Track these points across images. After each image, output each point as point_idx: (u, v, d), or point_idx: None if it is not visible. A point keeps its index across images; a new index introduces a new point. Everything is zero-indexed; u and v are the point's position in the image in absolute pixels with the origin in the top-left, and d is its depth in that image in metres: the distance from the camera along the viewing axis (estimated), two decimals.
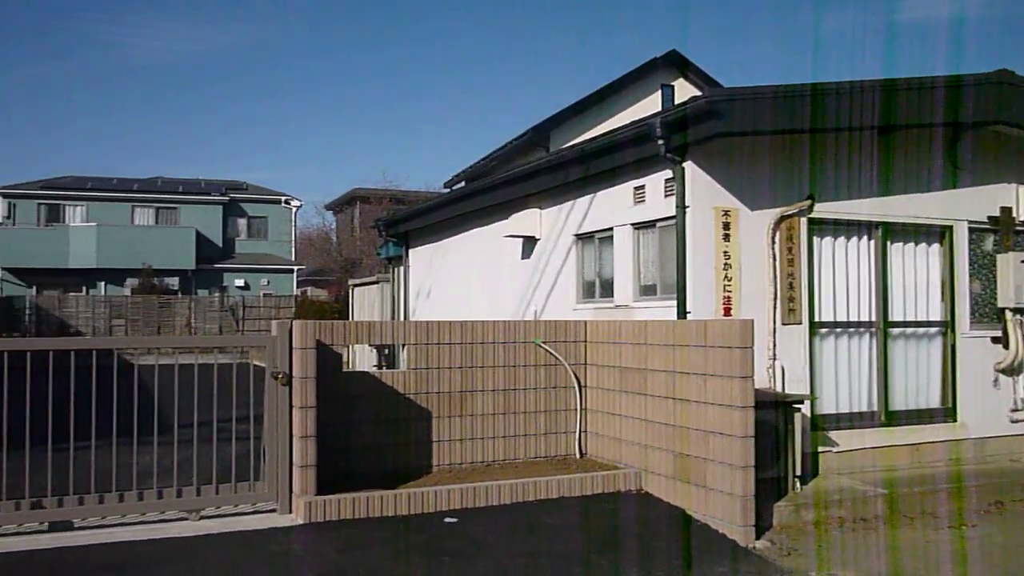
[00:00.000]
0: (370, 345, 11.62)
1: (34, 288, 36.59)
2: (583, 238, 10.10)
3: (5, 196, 38.06)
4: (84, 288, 37.01)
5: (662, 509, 6.56)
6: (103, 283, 37.38)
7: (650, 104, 17.73)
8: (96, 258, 36.58)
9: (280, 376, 6.23)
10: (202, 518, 6.10)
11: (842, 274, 8.70)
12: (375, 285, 19.16)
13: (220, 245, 40.24)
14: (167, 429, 6.29)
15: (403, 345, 7.52)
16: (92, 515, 5.96)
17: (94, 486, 6.04)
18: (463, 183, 19.30)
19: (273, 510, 6.29)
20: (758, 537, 6.05)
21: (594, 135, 9.95)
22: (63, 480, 5.87)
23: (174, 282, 37.82)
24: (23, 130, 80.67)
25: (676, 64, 19.11)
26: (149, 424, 6.09)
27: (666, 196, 8.31)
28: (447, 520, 6.14)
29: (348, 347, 8.09)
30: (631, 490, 6.98)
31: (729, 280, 7.94)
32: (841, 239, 8.73)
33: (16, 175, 69.70)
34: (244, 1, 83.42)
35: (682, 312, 7.83)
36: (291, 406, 6.28)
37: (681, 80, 19.06)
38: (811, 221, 8.40)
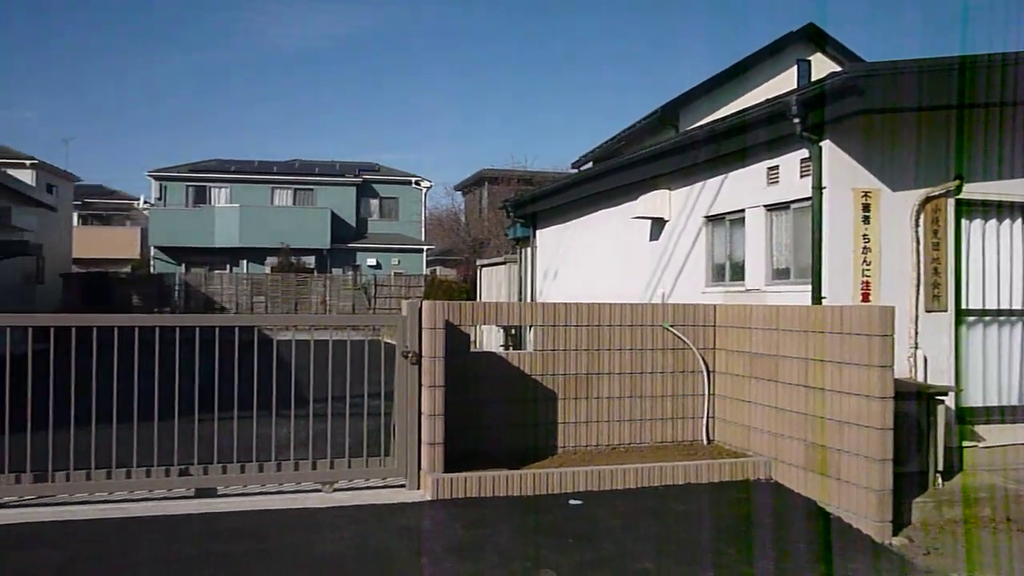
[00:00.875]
0: (497, 326, 11.73)
1: (183, 266, 38.71)
2: (713, 220, 9.88)
3: (157, 179, 40.35)
4: (228, 266, 38.90)
5: (793, 500, 6.38)
6: (245, 261, 39.19)
7: (785, 81, 17.10)
8: (239, 237, 38.35)
9: (410, 355, 6.36)
10: (335, 490, 6.32)
11: (992, 259, 8.19)
12: (503, 266, 19.33)
13: (353, 225, 41.47)
14: (303, 403, 6.56)
15: (530, 326, 7.56)
16: (234, 483, 6.26)
17: (236, 456, 6.36)
18: (591, 164, 19.17)
19: (402, 485, 6.45)
20: (895, 533, 5.80)
21: (725, 114, 9.70)
22: (208, 449, 6.20)
23: (310, 261, 39.25)
24: (172, 118, 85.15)
25: (813, 38, 18.34)
26: (287, 398, 6.35)
27: (801, 177, 8.02)
28: (572, 502, 6.15)
29: (475, 327, 8.21)
30: (760, 479, 6.81)
31: (868, 264, 7.60)
32: (992, 221, 8.21)
33: (166, 159, 73.76)
34: None
35: (817, 297, 7.56)
36: (420, 384, 6.41)
37: (818, 55, 18.27)
38: (959, 202, 7.93)
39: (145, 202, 45.00)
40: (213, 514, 5.68)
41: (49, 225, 31.24)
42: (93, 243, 45.23)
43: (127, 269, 42.05)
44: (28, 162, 32.88)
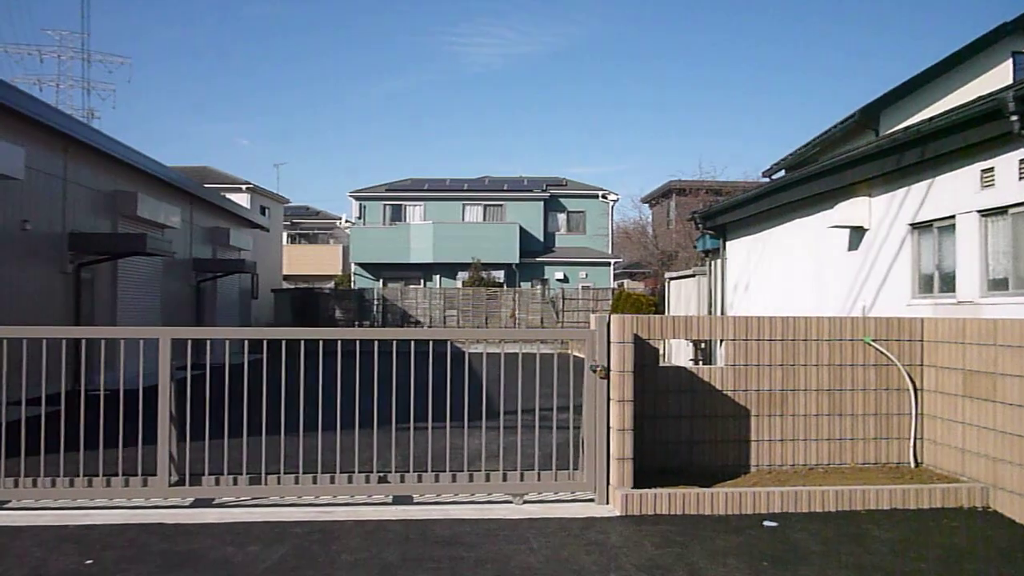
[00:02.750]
0: (686, 340, 11.53)
1: (380, 281, 40.59)
2: (919, 227, 9.28)
3: (357, 199, 42.58)
4: (422, 281, 40.42)
5: (1014, 531, 5.85)
6: (438, 276, 40.58)
7: (997, 76, 15.86)
8: (432, 253, 39.78)
9: (599, 369, 6.36)
10: (525, 502, 6.41)
11: None
12: (691, 278, 18.98)
13: (541, 239, 42.04)
14: (493, 415, 6.70)
15: (720, 340, 7.37)
16: (428, 492, 6.48)
17: (430, 465, 6.58)
18: (783, 172, 18.51)
19: (591, 500, 6.45)
20: None
21: (931, 114, 9.10)
22: (404, 458, 6.45)
23: (500, 275, 40.10)
24: (371, 141, 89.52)
25: None
26: (478, 410, 6.52)
27: (1020, 179, 7.40)
28: (767, 523, 5.93)
29: (664, 341, 8.09)
30: (976, 507, 6.30)
31: None
32: None
33: (366, 180, 77.74)
34: (570, 3, 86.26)
35: None
36: (609, 399, 6.39)
37: None
38: None
39: (346, 221, 47.60)
40: (411, 521, 5.90)
41: (262, 244, 33.66)
42: (300, 260, 48.39)
43: (330, 285, 44.58)
44: (244, 186, 35.61)
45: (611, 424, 6.38)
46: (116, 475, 6.35)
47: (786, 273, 12.81)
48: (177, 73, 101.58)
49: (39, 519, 5.89)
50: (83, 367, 6.31)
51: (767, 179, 19.02)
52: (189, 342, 6.40)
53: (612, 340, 6.42)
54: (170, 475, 6.26)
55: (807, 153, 18.20)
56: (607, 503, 6.37)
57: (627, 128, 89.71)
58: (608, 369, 6.40)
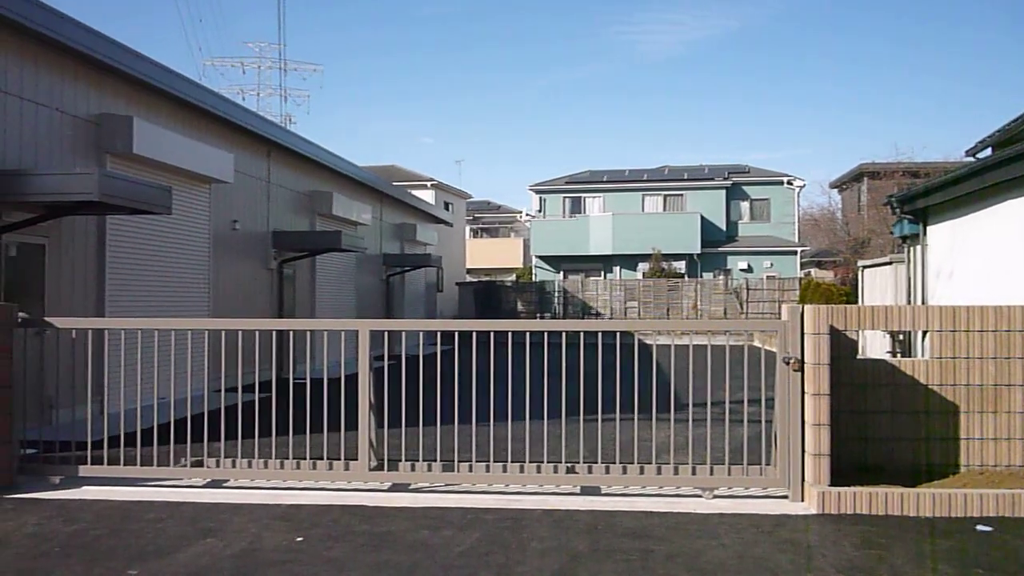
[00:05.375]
0: (884, 331, 10.93)
1: (561, 273, 40.92)
2: None
3: (537, 193, 43.10)
4: (602, 272, 40.42)
5: None
6: (618, 268, 40.44)
7: None
8: (612, 245, 39.67)
9: (792, 361, 6.14)
10: (715, 497, 6.29)
11: None
12: (887, 266, 17.95)
13: (723, 228, 41.03)
14: (680, 408, 6.61)
15: (924, 332, 6.93)
16: (616, 484, 6.48)
17: (618, 456, 6.58)
18: (989, 150, 17.15)
19: (784, 497, 6.25)
20: None
21: None
22: (591, 449, 6.48)
23: (681, 266, 39.48)
24: (549, 133, 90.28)
25: None
26: (664, 402, 6.45)
27: None
28: (979, 528, 5.53)
29: (858, 333, 7.71)
30: None
31: None
32: None
33: (545, 174, 78.65)
34: None
35: None
36: (803, 392, 6.16)
37: None
38: None
39: (527, 215, 48.30)
40: (599, 512, 5.92)
41: (446, 239, 34.73)
42: (482, 254, 49.56)
43: (512, 277, 45.40)
44: (429, 183, 36.84)
45: (805, 419, 6.15)
46: (321, 459, 6.74)
47: (997, 259, 11.87)
48: (363, 76, 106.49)
49: (253, 497, 6.35)
50: (291, 357, 6.75)
51: (971, 159, 17.69)
52: (386, 333, 6.70)
53: (806, 331, 6.17)
54: (370, 460, 6.59)
55: (1017, 129, 16.77)
56: (801, 500, 6.15)
57: (812, 110, 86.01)
58: (802, 361, 6.16)
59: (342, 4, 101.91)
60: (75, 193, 9.17)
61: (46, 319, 6.92)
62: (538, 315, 36.91)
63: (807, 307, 6.24)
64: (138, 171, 11.93)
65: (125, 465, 6.75)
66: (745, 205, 42.06)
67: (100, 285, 11.41)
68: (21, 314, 6.70)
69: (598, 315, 36.63)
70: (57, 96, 10.65)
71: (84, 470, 6.70)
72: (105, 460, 6.81)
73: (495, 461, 6.54)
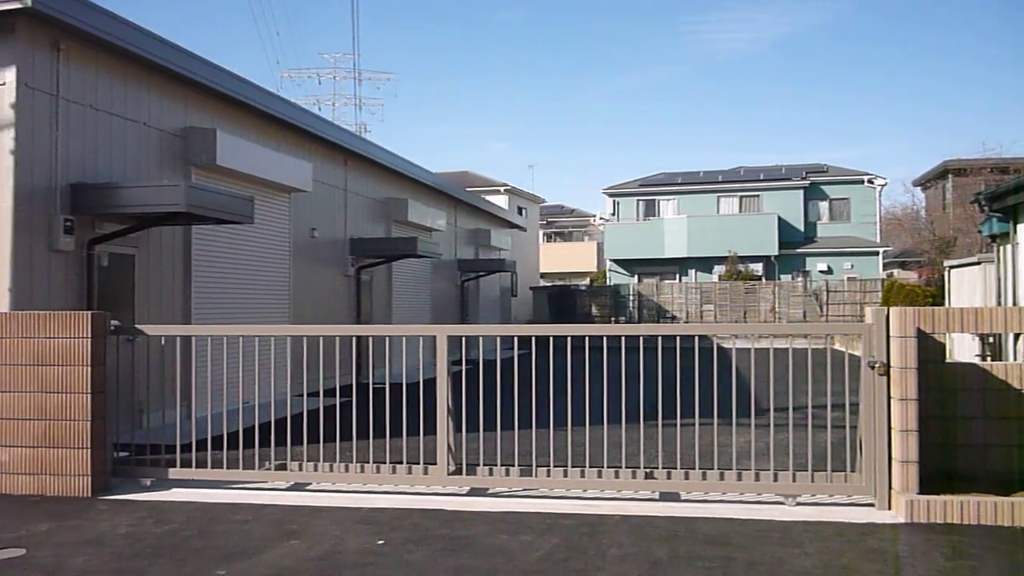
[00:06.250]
0: (974, 334, 10.57)
1: (635, 276, 40.65)
2: None
3: (610, 196, 42.92)
4: (677, 275, 40.01)
5: None
6: (693, 270, 39.97)
7: None
8: (687, 247, 39.24)
9: (877, 365, 5.98)
10: (797, 504, 6.16)
11: None
12: (976, 266, 17.36)
13: (801, 229, 40.21)
14: (760, 413, 6.49)
15: (1015, 335, 6.68)
16: (695, 489, 6.40)
17: (697, 462, 6.50)
18: None
19: (870, 505, 6.08)
20: None
21: None
22: (670, 454, 6.42)
23: (758, 268, 38.82)
24: (622, 136, 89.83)
25: None
26: (744, 407, 6.35)
27: None
28: None
29: (946, 336, 7.47)
30: None
31: None
32: None
33: (618, 177, 78.29)
34: None
35: None
36: (889, 397, 5.99)
37: None
38: None
39: (600, 218, 48.14)
40: (679, 518, 5.85)
41: (520, 243, 34.84)
42: (556, 258, 49.56)
43: (585, 281, 45.28)
44: (502, 188, 37.01)
45: (892, 424, 5.98)
46: (400, 463, 6.83)
47: None
48: (436, 83, 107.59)
49: (334, 500, 6.46)
50: (370, 362, 6.85)
51: None
52: (463, 338, 6.75)
53: (892, 334, 6.01)
54: (448, 465, 6.64)
55: None
56: (888, 508, 5.98)
57: (895, 107, 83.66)
58: (888, 365, 6.00)
59: (415, 12, 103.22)
60: (163, 204, 9.49)
61: (137, 326, 7.16)
62: (612, 319, 36.75)
63: (893, 309, 6.07)
64: (221, 182, 12.29)
65: (212, 468, 6.96)
66: (824, 205, 41.13)
67: (186, 293, 11.77)
68: (113, 322, 6.95)
69: (673, 319, 36.26)
70: (145, 111, 11.03)
71: (173, 472, 6.92)
72: (193, 463, 7.02)
73: (573, 466, 6.52)
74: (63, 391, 6.65)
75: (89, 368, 6.64)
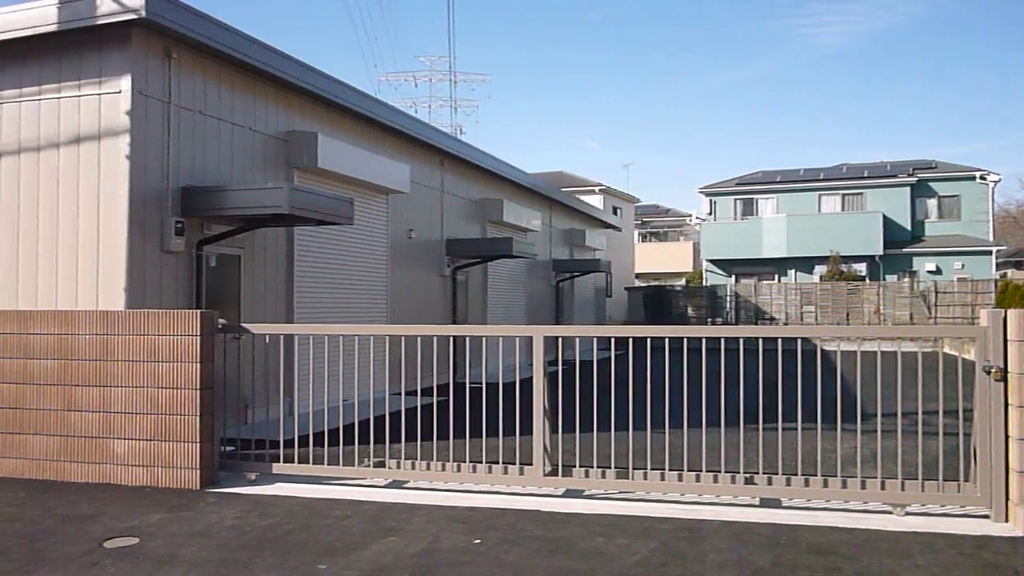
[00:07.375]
0: None
1: (732, 277, 39.91)
2: None
3: (707, 195, 42.26)
4: (775, 276, 39.12)
5: None
6: (792, 271, 39.02)
7: None
8: (786, 247, 38.32)
9: (993, 370, 5.70)
10: (906, 514, 5.92)
11: None
12: None
13: (908, 228, 38.80)
14: (866, 418, 6.26)
15: None
16: (797, 496, 6.22)
17: (799, 468, 6.31)
18: None
19: (984, 516, 5.81)
20: None
21: None
22: (770, 459, 6.25)
23: (861, 268, 37.62)
24: (720, 134, 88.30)
25: None
26: (849, 411, 6.13)
27: None
28: None
29: None
30: None
31: None
32: None
33: (715, 175, 76.97)
34: None
35: None
36: (1006, 404, 5.70)
37: None
38: None
39: (696, 218, 47.44)
40: (780, 525, 5.70)
41: (615, 243, 34.59)
42: (651, 258, 49.08)
43: (681, 282, 44.69)
44: (596, 188, 36.82)
45: (1009, 432, 5.69)
46: (496, 463, 6.85)
47: None
48: (530, 83, 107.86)
49: (431, 498, 6.53)
50: (466, 362, 6.89)
51: None
52: (560, 339, 6.73)
53: (1009, 338, 5.71)
54: (544, 465, 6.63)
55: None
56: (1005, 520, 5.69)
57: (1012, 98, 79.87)
58: (1004, 370, 5.71)
59: (509, 13, 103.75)
60: (268, 206, 9.77)
61: (243, 325, 7.39)
62: (709, 320, 36.17)
63: (1011, 311, 5.78)
64: (322, 184, 12.58)
65: (313, 464, 7.13)
66: (932, 203, 39.57)
67: (289, 293, 12.08)
68: (220, 320, 7.19)
69: (772, 320, 35.46)
70: (250, 116, 11.38)
71: (277, 468, 7.11)
72: (296, 458, 7.20)
73: (670, 469, 6.43)
74: (174, 387, 6.92)
75: (199, 365, 6.88)
